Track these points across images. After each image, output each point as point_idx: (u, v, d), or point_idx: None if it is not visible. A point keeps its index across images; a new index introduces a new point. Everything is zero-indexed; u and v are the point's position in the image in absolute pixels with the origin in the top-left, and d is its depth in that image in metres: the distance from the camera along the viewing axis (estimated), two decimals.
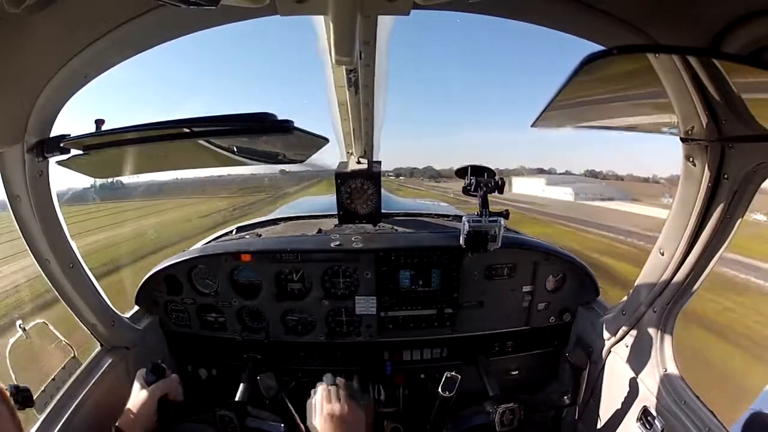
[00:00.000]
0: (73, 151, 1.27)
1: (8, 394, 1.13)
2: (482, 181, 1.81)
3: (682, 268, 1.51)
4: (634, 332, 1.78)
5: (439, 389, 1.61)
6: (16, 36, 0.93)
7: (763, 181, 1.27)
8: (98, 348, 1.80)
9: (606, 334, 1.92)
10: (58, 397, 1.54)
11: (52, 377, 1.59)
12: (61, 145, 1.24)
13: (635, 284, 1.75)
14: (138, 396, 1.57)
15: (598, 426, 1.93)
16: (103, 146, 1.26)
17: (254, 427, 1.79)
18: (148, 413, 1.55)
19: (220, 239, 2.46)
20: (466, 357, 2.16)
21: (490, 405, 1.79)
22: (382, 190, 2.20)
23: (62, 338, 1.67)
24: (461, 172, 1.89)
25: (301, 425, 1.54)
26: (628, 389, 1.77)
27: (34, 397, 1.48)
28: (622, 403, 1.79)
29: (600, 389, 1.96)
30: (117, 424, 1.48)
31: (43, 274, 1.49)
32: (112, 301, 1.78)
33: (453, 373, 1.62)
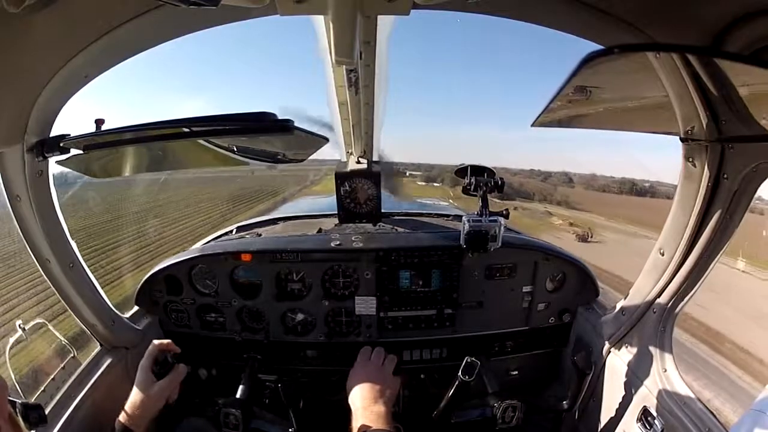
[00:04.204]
0: (73, 151, 1.27)
1: (18, 415, 1.10)
2: (482, 180, 1.81)
3: (682, 268, 1.51)
4: (634, 333, 1.78)
5: (459, 373, 1.63)
6: (16, 36, 0.93)
7: (763, 181, 1.27)
8: (98, 348, 1.80)
9: (606, 335, 1.92)
10: (57, 397, 1.54)
11: (52, 377, 1.59)
12: (61, 144, 1.24)
13: (635, 284, 1.75)
14: (146, 390, 1.55)
15: (598, 426, 1.93)
16: (103, 146, 1.26)
17: (259, 428, 1.79)
18: (157, 408, 1.55)
19: (220, 239, 2.46)
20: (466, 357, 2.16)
21: (494, 399, 1.79)
22: (382, 189, 2.20)
23: (62, 338, 1.67)
24: (461, 172, 1.89)
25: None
26: (628, 390, 1.77)
27: (34, 398, 1.48)
28: (622, 404, 1.79)
29: (600, 389, 1.95)
30: (122, 420, 1.47)
31: (43, 274, 1.49)
32: None
33: (473, 359, 1.64)
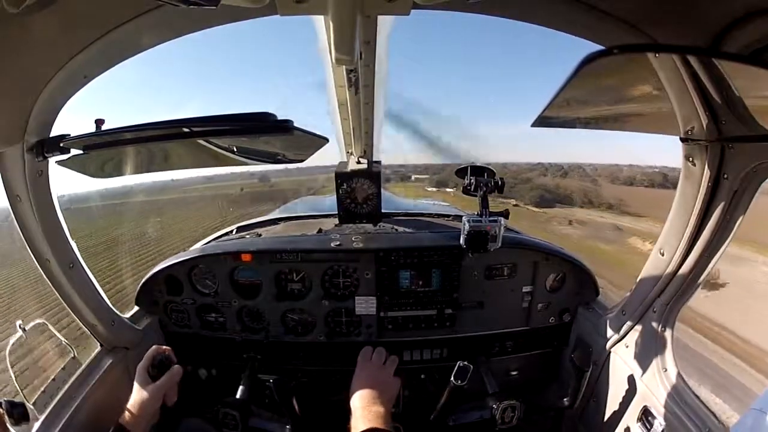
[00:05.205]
0: (73, 151, 1.27)
1: (3, 411, 1.14)
2: (482, 181, 1.81)
3: (682, 268, 1.51)
4: (634, 332, 1.78)
5: (452, 378, 1.63)
6: (16, 36, 0.93)
7: (763, 181, 1.27)
8: (98, 348, 1.80)
9: (606, 335, 1.92)
10: (58, 397, 1.54)
11: (52, 377, 1.59)
12: (61, 145, 1.24)
13: (635, 284, 1.75)
14: (142, 392, 1.55)
15: (599, 426, 1.93)
16: (103, 146, 1.26)
17: (258, 426, 1.79)
18: (153, 409, 1.54)
19: (220, 239, 2.46)
20: (466, 357, 2.16)
21: (492, 400, 1.80)
22: (382, 190, 2.20)
23: (62, 338, 1.67)
24: (461, 172, 1.89)
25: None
26: (628, 389, 1.77)
27: (35, 398, 1.48)
28: (623, 404, 1.79)
29: (600, 389, 1.95)
30: (120, 421, 1.47)
31: (43, 274, 1.49)
32: None
33: (465, 363, 1.63)
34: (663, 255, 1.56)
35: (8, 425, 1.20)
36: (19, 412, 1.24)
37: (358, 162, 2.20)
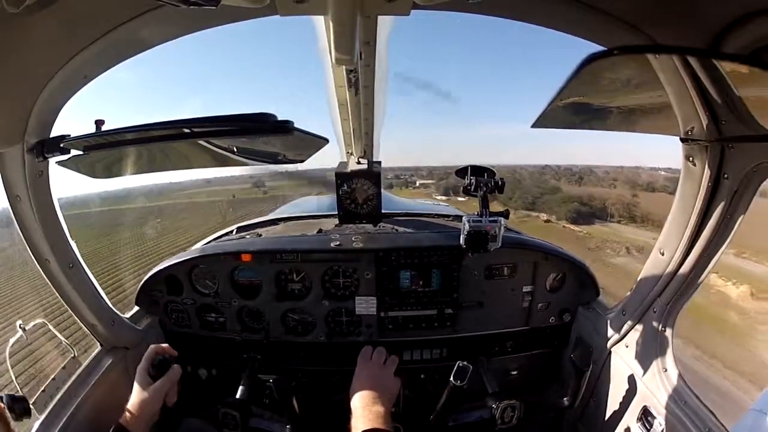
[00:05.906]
0: (73, 152, 1.27)
1: (4, 406, 1.13)
2: (482, 181, 1.80)
3: (682, 268, 1.51)
4: (634, 332, 1.78)
5: (451, 378, 1.63)
6: (16, 36, 0.93)
7: (763, 180, 1.27)
8: (98, 348, 1.80)
9: (606, 335, 1.92)
10: (57, 397, 1.54)
11: (52, 377, 1.59)
12: (62, 145, 1.24)
13: (635, 284, 1.75)
14: (142, 392, 1.56)
15: (599, 426, 1.93)
16: (103, 146, 1.26)
17: (258, 427, 1.79)
18: (153, 410, 1.54)
19: (220, 239, 2.46)
20: (466, 357, 2.16)
21: (492, 400, 1.80)
22: (382, 190, 2.20)
23: (62, 338, 1.67)
24: (461, 172, 1.88)
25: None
26: (628, 389, 1.77)
27: (34, 398, 1.48)
28: (623, 404, 1.79)
29: (600, 389, 1.96)
30: (120, 422, 1.47)
31: (43, 274, 1.49)
32: None
33: (465, 363, 1.63)
34: (663, 255, 1.56)
35: (9, 420, 1.19)
36: (20, 407, 1.24)
37: (358, 162, 2.20)
